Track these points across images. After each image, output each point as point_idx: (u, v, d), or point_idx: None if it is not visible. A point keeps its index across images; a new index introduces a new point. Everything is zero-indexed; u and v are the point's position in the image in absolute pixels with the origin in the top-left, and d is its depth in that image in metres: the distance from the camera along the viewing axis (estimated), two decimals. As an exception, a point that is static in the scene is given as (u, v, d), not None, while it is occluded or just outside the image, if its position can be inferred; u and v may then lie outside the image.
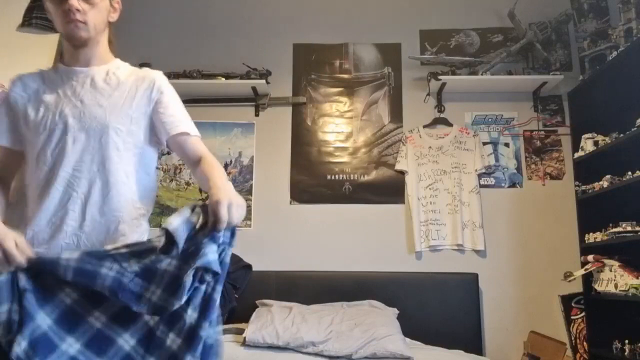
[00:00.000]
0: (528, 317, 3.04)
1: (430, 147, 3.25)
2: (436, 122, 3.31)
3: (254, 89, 3.30)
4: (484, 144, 3.27)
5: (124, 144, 1.36)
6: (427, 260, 3.14)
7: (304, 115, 3.39)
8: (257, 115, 3.40)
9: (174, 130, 1.42)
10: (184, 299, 1.11)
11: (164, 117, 1.42)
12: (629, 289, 2.45)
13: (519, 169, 3.24)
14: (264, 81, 3.25)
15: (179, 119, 1.44)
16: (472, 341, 2.87)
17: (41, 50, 2.73)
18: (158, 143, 1.47)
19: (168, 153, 3.34)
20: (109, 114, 1.36)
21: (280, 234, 3.23)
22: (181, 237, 1.13)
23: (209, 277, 1.15)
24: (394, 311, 2.80)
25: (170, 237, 1.13)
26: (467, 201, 3.16)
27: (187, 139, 1.44)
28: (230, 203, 1.21)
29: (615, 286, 2.58)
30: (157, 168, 3.36)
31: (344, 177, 3.29)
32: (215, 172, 1.34)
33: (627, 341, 2.54)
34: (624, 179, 2.55)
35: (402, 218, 3.22)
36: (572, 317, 2.98)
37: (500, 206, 3.19)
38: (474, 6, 3.46)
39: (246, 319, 2.62)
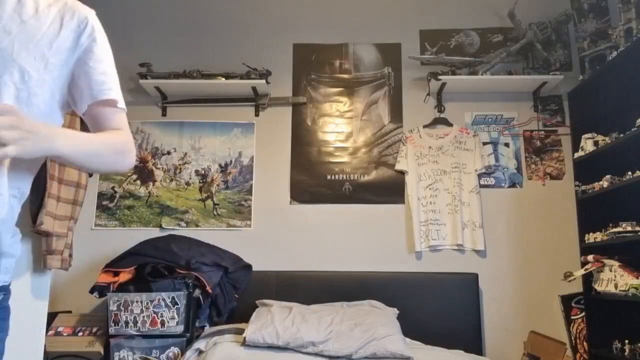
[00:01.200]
0: (528, 317, 3.04)
1: (430, 147, 3.25)
2: (436, 122, 3.31)
3: (254, 89, 3.30)
4: (484, 144, 3.28)
5: (29, 96, 0.98)
6: (427, 260, 3.14)
7: (304, 115, 3.39)
8: (257, 115, 3.40)
9: (103, 94, 1.07)
10: None
11: (94, 74, 1.06)
12: (629, 289, 2.45)
13: (519, 169, 3.24)
14: (264, 81, 3.24)
15: (112, 81, 1.10)
16: (472, 341, 2.87)
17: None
18: (66, 106, 1.09)
19: (168, 153, 3.35)
20: (18, 47, 0.97)
21: (280, 234, 3.23)
22: None
23: None
24: (394, 311, 2.80)
25: None
26: (467, 201, 3.16)
27: (114, 112, 1.11)
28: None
29: (615, 286, 2.57)
30: None
31: (344, 177, 3.29)
32: (93, 135, 1.05)
33: (627, 341, 2.54)
34: (624, 179, 2.55)
35: (402, 218, 3.21)
36: (572, 317, 2.98)
37: (500, 206, 3.19)
38: (474, 6, 3.46)
39: (246, 319, 2.62)
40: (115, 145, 1.09)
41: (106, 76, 1.09)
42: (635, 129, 2.44)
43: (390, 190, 3.25)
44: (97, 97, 1.07)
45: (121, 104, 1.12)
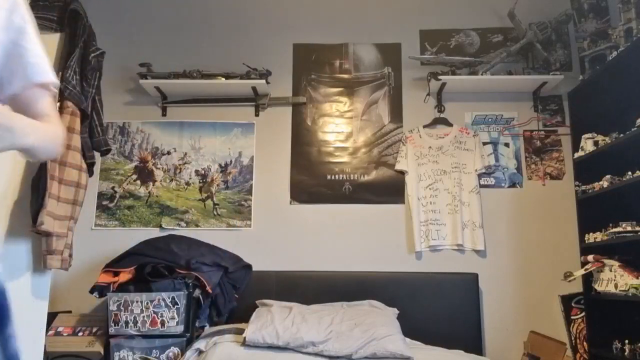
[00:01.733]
0: (528, 317, 3.04)
1: (430, 147, 3.25)
2: (436, 122, 3.31)
3: (254, 89, 3.30)
4: (484, 144, 3.28)
5: None
6: (427, 260, 3.14)
7: (304, 115, 3.39)
8: (257, 115, 3.40)
9: (40, 77, 1.06)
10: None
11: (29, 56, 1.04)
12: (629, 289, 2.45)
13: (519, 169, 3.24)
14: (264, 81, 3.24)
15: (48, 63, 1.09)
16: (472, 341, 2.87)
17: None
18: None
19: (168, 153, 3.35)
20: None
21: (280, 234, 3.23)
22: None
23: None
24: (394, 311, 2.80)
25: None
26: (467, 201, 3.16)
27: (48, 95, 1.09)
28: None
29: (615, 286, 2.58)
30: None
31: (344, 177, 3.29)
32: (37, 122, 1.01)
33: (627, 341, 2.54)
34: (624, 179, 2.55)
35: (402, 218, 3.22)
36: (572, 317, 2.98)
37: (500, 206, 3.19)
38: (474, 6, 3.46)
39: (246, 319, 2.62)
40: (58, 133, 1.09)
41: (42, 58, 1.07)
42: (635, 129, 2.44)
43: (390, 190, 3.25)
44: (34, 79, 1.05)
45: (56, 85, 1.11)
